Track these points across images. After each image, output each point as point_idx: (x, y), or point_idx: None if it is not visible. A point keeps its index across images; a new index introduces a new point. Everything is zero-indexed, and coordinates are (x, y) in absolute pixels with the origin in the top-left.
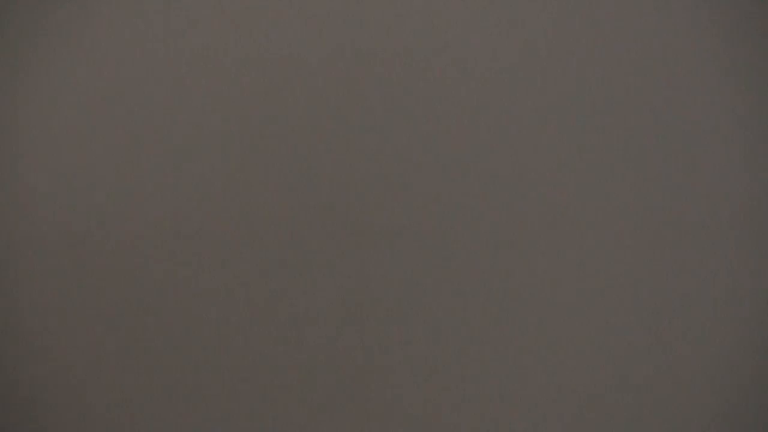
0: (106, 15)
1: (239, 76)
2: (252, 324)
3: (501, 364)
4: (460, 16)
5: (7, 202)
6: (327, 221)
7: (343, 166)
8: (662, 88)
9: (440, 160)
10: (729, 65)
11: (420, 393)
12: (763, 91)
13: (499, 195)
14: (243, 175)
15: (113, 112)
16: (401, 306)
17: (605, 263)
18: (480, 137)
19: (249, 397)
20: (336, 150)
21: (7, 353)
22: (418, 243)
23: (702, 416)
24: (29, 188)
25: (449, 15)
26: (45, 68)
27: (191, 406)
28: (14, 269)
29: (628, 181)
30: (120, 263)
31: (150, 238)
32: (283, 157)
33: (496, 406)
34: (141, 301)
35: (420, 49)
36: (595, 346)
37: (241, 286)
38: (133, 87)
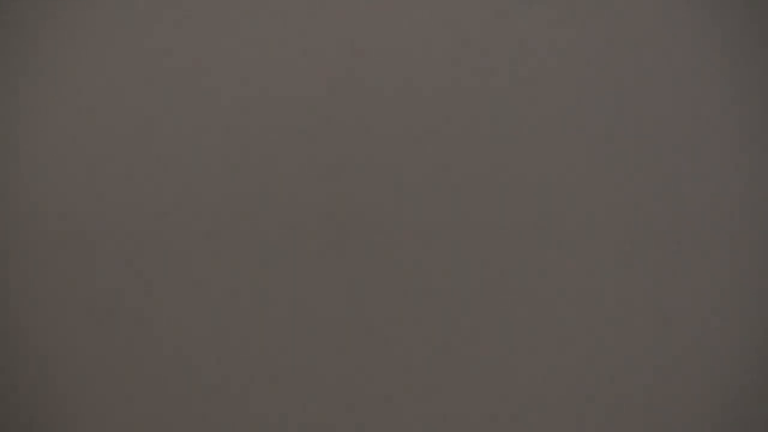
0: (107, 13)
1: (242, 76)
2: (253, 325)
3: (503, 365)
4: (460, 18)
5: (7, 201)
6: (330, 223)
7: (344, 166)
8: (664, 87)
9: (443, 161)
10: (731, 65)
11: (421, 396)
12: (763, 91)
13: (501, 196)
14: (244, 175)
15: (114, 110)
16: (403, 307)
17: (607, 263)
18: (484, 138)
19: (248, 397)
20: (338, 150)
21: (7, 353)
22: (420, 245)
23: (702, 416)
24: (29, 187)
25: (449, 17)
26: (45, 67)
27: (192, 405)
28: (14, 269)
29: (630, 182)
30: (120, 263)
31: (150, 237)
32: (286, 156)
33: (497, 406)
34: (141, 301)
35: (423, 51)
36: (596, 347)
37: (242, 286)
38: (134, 86)
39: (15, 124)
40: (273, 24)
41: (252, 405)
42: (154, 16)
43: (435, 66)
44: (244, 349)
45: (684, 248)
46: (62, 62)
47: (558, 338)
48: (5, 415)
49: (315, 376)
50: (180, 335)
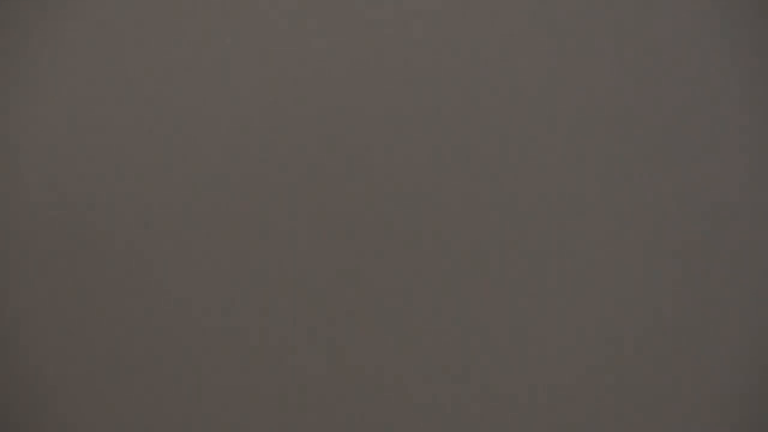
0: (108, 11)
1: (242, 74)
2: (253, 326)
3: (505, 366)
4: (463, 18)
5: (6, 200)
6: (331, 225)
7: (344, 167)
8: (664, 85)
9: (444, 162)
10: (731, 63)
11: (423, 397)
12: (763, 89)
13: (502, 196)
14: (244, 175)
15: (113, 110)
16: (403, 308)
17: (608, 263)
18: (485, 138)
19: (248, 398)
20: (339, 153)
21: (6, 353)
22: (422, 245)
23: (703, 416)
24: (28, 187)
25: (451, 17)
26: (43, 65)
27: (190, 406)
28: (13, 269)
29: (630, 180)
30: (118, 263)
31: (149, 237)
32: (286, 157)
33: (499, 406)
34: (139, 301)
35: (426, 52)
36: (597, 346)
37: (242, 287)
38: (134, 85)
39: (15, 124)
40: (275, 23)
41: (252, 405)
42: (155, 17)
43: (438, 66)
44: (245, 349)
45: (685, 247)
46: (61, 59)
47: (558, 336)
48: (5, 415)
49: (315, 375)
50: (182, 334)
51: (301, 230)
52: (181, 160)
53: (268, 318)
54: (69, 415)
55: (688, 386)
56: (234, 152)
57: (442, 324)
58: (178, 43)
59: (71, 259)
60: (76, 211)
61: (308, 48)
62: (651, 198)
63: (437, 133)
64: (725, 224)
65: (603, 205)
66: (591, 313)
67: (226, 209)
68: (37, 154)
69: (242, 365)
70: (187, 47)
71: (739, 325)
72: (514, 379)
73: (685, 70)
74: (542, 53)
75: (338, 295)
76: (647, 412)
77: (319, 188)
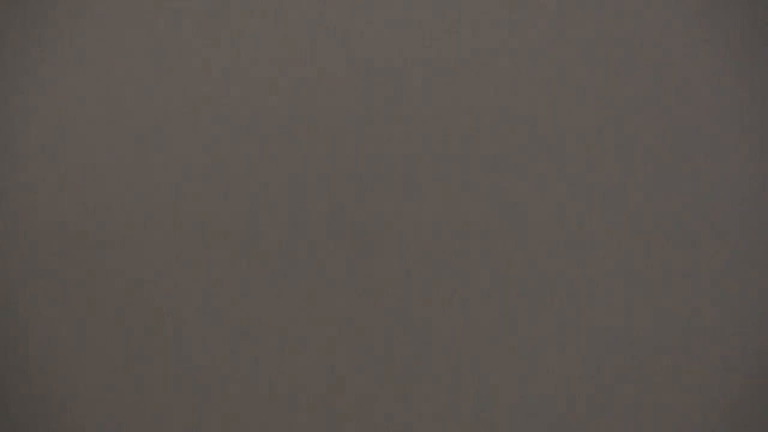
0: (110, 12)
1: (243, 76)
2: (252, 325)
3: (506, 367)
4: (463, 18)
5: (6, 201)
6: (331, 224)
7: (345, 167)
8: (664, 86)
9: (444, 161)
10: (731, 64)
11: (424, 400)
12: (764, 89)
13: (503, 195)
14: (245, 175)
15: (114, 110)
16: (404, 308)
17: (608, 262)
18: (486, 139)
19: (246, 398)
20: (339, 152)
21: (6, 353)
22: (422, 245)
23: (702, 416)
24: (27, 187)
25: (452, 17)
26: (44, 66)
27: (189, 407)
28: (13, 269)
29: (630, 181)
30: (118, 263)
31: (149, 238)
32: (287, 157)
33: (499, 408)
34: (139, 301)
35: (426, 52)
36: (596, 345)
37: (242, 287)
38: (135, 86)
39: (15, 124)
40: (276, 23)
41: (253, 405)
42: (154, 18)
43: (439, 66)
44: (245, 352)
45: (685, 247)
46: (61, 60)
47: (559, 336)
48: (5, 414)
49: (315, 379)
50: (183, 339)
51: (303, 231)
52: (182, 160)
53: (269, 317)
54: (71, 415)
55: (688, 389)
56: (234, 153)
57: (443, 325)
58: (180, 47)
59: (72, 260)
60: (77, 212)
61: (308, 50)
62: (652, 199)
63: (438, 134)
64: (727, 226)
65: (603, 205)
66: (591, 315)
67: (227, 210)
68: (37, 154)
69: (242, 365)
70: (192, 52)
71: (740, 327)
72: (514, 382)
73: (687, 73)
74: (544, 54)
75: (339, 295)
76: (648, 414)
77: (319, 191)
